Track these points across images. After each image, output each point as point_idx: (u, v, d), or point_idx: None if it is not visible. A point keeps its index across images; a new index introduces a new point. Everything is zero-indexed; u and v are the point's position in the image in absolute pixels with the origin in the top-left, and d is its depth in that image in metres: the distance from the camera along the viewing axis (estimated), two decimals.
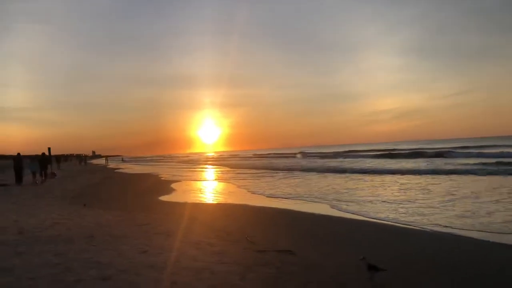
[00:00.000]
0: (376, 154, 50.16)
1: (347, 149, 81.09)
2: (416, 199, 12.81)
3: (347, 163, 37.85)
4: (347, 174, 25.80)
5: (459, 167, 24.83)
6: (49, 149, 34.91)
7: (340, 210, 11.60)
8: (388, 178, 21.70)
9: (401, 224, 9.29)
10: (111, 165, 73.12)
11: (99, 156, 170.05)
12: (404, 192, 14.92)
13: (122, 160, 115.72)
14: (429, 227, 8.74)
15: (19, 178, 23.61)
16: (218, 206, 14.15)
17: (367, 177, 22.83)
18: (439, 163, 29.92)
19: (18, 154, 25.11)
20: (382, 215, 10.36)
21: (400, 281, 5.34)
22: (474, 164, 26.19)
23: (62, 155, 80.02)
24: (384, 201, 12.77)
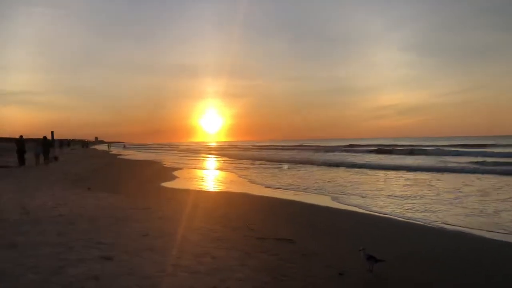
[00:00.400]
0: (373, 150, 50.04)
1: (348, 143, 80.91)
2: (417, 195, 12.84)
3: (342, 157, 37.90)
4: (347, 168, 25.81)
5: (451, 165, 24.90)
6: (52, 133, 35.19)
7: (341, 202, 11.63)
8: (385, 173, 21.70)
9: (404, 219, 9.31)
10: (114, 151, 73.35)
11: (102, 142, 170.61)
12: (409, 187, 14.95)
13: (124, 146, 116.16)
14: (434, 223, 8.77)
15: (21, 160, 23.88)
16: (219, 194, 14.23)
17: (368, 172, 22.85)
18: (432, 160, 29.85)
19: (21, 136, 25.31)
20: (384, 209, 10.39)
21: (398, 272, 5.38)
22: (465, 163, 26.16)
23: (65, 140, 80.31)
24: (386, 196, 12.79)
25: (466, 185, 15.25)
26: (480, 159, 28.14)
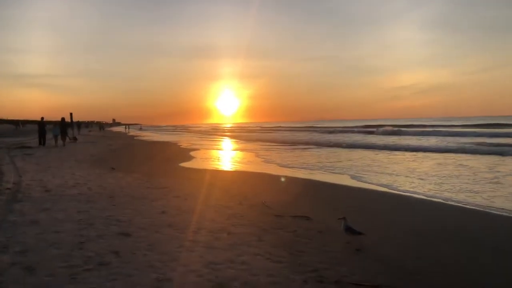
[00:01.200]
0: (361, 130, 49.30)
1: (364, 124, 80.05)
2: (422, 173, 12.67)
3: (341, 137, 37.62)
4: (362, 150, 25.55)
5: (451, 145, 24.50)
6: (71, 114, 35.69)
7: (360, 181, 11.55)
8: (396, 154, 21.45)
9: (426, 197, 9.21)
10: (131, 132, 74.25)
11: (119, 124, 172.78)
12: (416, 166, 14.76)
13: (140, 128, 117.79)
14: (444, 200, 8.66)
15: (42, 141, 24.67)
16: (236, 173, 14.28)
17: (383, 153, 22.60)
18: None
19: (42, 118, 25.93)
20: (403, 188, 10.29)
21: (384, 244, 5.34)
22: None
23: (84, 122, 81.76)
24: (404, 175, 12.66)
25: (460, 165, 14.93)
26: (479, 139, 27.66)
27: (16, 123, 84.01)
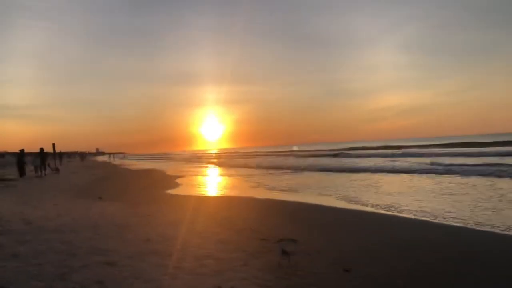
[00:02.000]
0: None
1: (348, 146, 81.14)
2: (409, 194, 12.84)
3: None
4: (347, 174, 25.78)
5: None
6: (53, 145, 35.13)
7: (346, 201, 11.64)
8: (374, 176, 21.75)
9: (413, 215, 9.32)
10: (114, 161, 73.36)
11: (103, 153, 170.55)
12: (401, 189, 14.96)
13: (123, 157, 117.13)
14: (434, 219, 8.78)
15: (22, 172, 24.39)
16: (222, 199, 14.21)
17: (363, 175, 22.87)
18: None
19: (22, 150, 25.85)
20: (388, 208, 10.40)
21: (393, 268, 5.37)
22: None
23: (66, 152, 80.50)
24: (387, 195, 12.81)
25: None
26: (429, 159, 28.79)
27: None
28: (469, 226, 7.96)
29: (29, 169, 26.08)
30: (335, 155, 48.82)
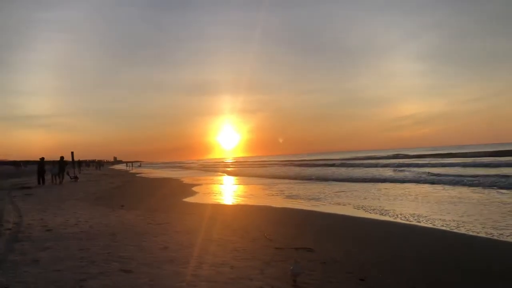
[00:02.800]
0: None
1: (365, 155, 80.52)
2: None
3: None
4: (365, 183, 25.52)
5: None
6: (72, 153, 35.84)
7: (364, 211, 11.52)
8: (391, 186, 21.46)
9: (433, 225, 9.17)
10: (132, 170, 74.31)
11: (121, 162, 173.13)
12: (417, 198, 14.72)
13: (139, 165, 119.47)
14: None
15: (42, 181, 25.00)
16: (238, 207, 14.23)
17: (383, 185, 22.60)
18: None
19: (42, 158, 26.51)
20: (407, 218, 10.25)
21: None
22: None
23: (84, 161, 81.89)
24: (407, 206, 12.62)
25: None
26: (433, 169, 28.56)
27: (17, 164, 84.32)
28: (493, 237, 7.77)
29: (48, 177, 26.69)
30: (332, 165, 48.29)
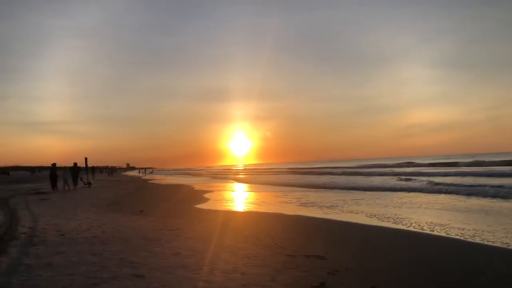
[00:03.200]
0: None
1: (374, 163, 79.93)
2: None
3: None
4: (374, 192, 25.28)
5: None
6: (85, 159, 36.31)
7: (378, 219, 11.40)
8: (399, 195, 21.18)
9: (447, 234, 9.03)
10: (144, 176, 74.90)
11: (133, 168, 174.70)
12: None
13: (151, 172, 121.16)
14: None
15: (54, 185, 25.42)
16: (249, 214, 14.21)
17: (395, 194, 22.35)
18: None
19: (54, 164, 26.93)
20: (417, 226, 10.11)
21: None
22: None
23: (98, 167, 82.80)
24: (422, 214, 12.46)
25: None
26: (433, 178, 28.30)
27: (32, 169, 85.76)
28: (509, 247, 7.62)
29: (60, 183, 27.05)
30: (342, 173, 48.01)
